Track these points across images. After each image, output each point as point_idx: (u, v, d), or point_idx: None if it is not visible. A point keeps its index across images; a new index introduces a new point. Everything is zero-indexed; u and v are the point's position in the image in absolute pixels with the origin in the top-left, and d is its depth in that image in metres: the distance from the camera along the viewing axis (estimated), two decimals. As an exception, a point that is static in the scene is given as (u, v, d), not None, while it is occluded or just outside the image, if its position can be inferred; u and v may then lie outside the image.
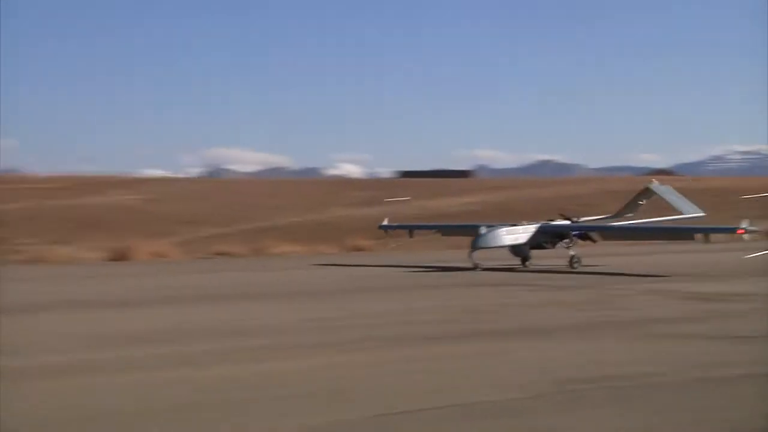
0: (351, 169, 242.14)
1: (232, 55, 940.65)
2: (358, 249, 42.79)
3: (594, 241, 30.17)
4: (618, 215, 31.07)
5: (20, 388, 10.11)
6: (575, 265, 27.94)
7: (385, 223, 34.87)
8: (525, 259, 29.40)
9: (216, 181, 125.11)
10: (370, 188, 75.85)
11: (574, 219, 29.80)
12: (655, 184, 31.64)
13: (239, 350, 12.82)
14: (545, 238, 29.08)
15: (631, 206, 31.04)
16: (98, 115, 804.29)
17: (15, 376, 10.78)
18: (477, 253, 28.35)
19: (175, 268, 33.05)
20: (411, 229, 35.34)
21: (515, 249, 29.02)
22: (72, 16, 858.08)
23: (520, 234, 28.66)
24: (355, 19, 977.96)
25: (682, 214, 30.25)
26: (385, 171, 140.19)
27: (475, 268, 27.97)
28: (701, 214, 30.74)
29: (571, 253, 28.44)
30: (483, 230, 28.41)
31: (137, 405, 9.14)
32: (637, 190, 32.13)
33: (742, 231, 25.98)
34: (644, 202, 31.06)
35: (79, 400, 9.43)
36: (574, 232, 28.96)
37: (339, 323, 15.92)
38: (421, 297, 20.93)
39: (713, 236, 28.73)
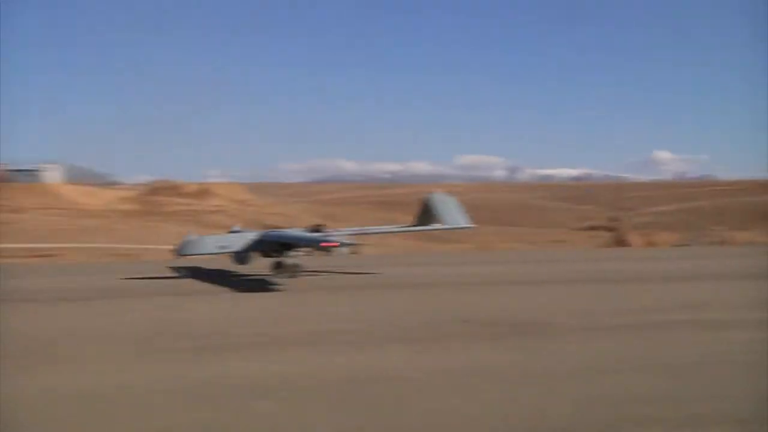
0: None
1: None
2: None
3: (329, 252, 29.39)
4: (414, 225, 31.83)
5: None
6: (288, 274, 27.75)
7: None
8: (278, 265, 28.42)
9: None
10: None
11: (322, 229, 28.79)
12: (433, 194, 31.70)
13: None
14: (271, 246, 28.30)
15: (425, 217, 31.12)
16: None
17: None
18: (188, 260, 28.78)
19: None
20: None
21: (238, 256, 28.28)
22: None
23: (233, 242, 28.21)
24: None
25: (446, 223, 30.74)
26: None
27: (180, 276, 28.18)
28: (468, 226, 31.63)
29: (291, 261, 28.07)
30: (189, 237, 28.32)
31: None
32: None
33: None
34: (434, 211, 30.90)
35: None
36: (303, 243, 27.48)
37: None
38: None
39: None
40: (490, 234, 63.04)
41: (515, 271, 31.21)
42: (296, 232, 29.50)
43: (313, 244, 26.68)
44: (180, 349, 14.53)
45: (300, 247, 28.11)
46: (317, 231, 28.61)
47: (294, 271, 27.94)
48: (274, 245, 28.40)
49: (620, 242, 60.99)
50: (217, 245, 28.26)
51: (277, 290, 24.34)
